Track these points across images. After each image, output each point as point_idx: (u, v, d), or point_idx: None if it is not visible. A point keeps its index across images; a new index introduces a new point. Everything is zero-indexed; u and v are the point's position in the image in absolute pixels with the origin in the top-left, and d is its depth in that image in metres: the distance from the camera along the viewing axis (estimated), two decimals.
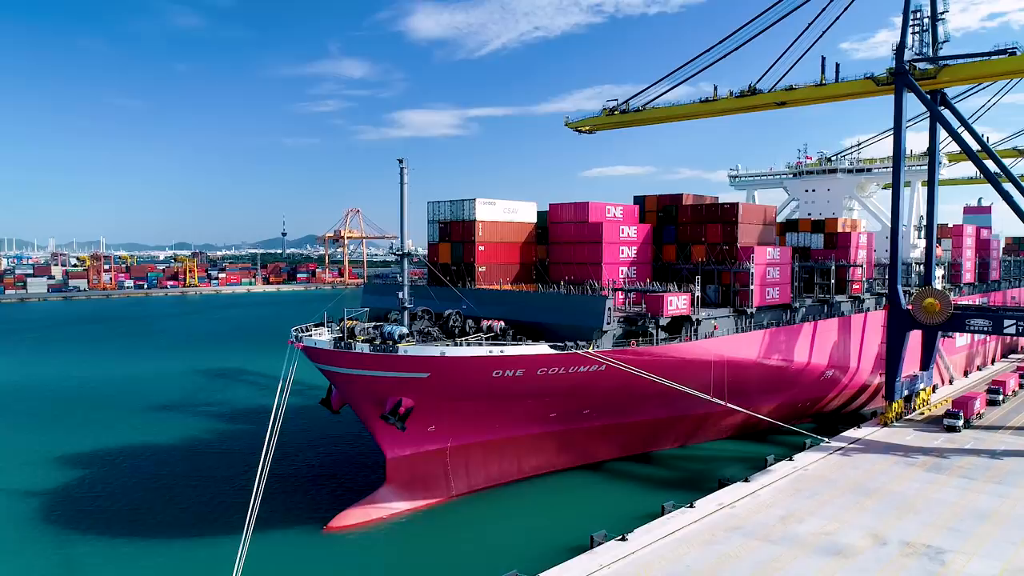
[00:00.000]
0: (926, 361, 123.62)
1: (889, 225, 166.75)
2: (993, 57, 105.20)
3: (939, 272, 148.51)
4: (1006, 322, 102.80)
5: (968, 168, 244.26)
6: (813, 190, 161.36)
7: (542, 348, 76.27)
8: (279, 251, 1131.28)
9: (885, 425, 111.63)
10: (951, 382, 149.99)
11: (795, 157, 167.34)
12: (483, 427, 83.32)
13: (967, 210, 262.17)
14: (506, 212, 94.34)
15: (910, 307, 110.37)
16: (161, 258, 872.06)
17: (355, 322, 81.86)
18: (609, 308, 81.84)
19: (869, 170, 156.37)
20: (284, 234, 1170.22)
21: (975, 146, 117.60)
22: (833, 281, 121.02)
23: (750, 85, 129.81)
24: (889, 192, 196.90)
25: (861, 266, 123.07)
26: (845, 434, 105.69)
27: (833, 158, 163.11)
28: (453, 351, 72.94)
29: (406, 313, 78.52)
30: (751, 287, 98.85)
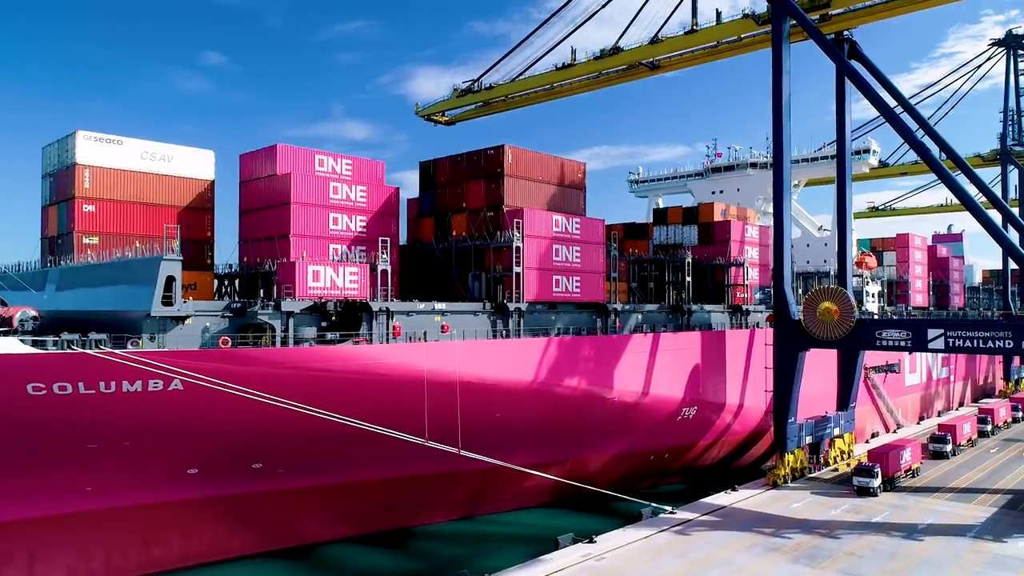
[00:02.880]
0: (844, 398, 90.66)
1: (811, 230, 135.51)
2: None
3: (873, 289, 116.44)
4: (931, 333, 70.40)
5: (939, 194, 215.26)
6: (720, 191, 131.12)
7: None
8: None
9: (774, 486, 78.24)
10: (896, 430, 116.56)
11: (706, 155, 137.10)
12: (54, 487, 50.56)
13: (936, 238, 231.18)
14: (146, 158, 63.06)
15: (801, 316, 78.15)
16: None
17: None
18: (171, 278, 50.03)
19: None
20: None
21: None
22: (711, 287, 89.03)
23: (612, 45, 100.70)
24: (822, 189, 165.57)
25: (743, 265, 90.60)
26: (709, 500, 72.41)
27: (754, 153, 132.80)
28: None
29: None
30: (518, 269, 66.25)
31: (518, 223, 65.94)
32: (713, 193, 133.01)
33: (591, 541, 59.20)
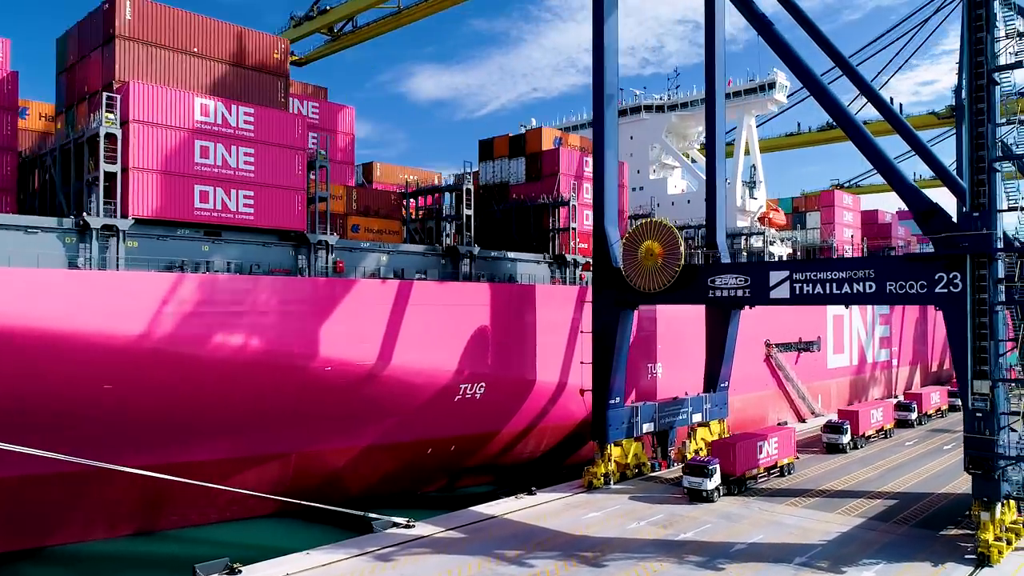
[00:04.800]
0: (712, 374, 71.30)
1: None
2: None
3: (780, 251, 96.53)
4: (773, 277, 50.86)
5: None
6: (631, 137, 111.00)
7: None
8: None
9: (589, 488, 58.89)
10: (806, 419, 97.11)
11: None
12: None
13: (901, 214, 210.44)
14: None
15: (621, 262, 58.69)
16: None
17: None
18: None
19: (685, 104, 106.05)
20: None
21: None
22: (534, 232, 69.49)
23: None
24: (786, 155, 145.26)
25: (572, 205, 70.38)
26: (478, 508, 53.31)
27: (650, 94, 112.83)
28: None
29: None
30: (111, 167, 45.24)
31: (110, 102, 45.42)
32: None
33: (233, 572, 40.04)
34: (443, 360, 56.82)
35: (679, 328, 77.69)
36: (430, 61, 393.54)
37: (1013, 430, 43.67)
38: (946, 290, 43.65)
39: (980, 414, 41.65)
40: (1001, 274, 41.93)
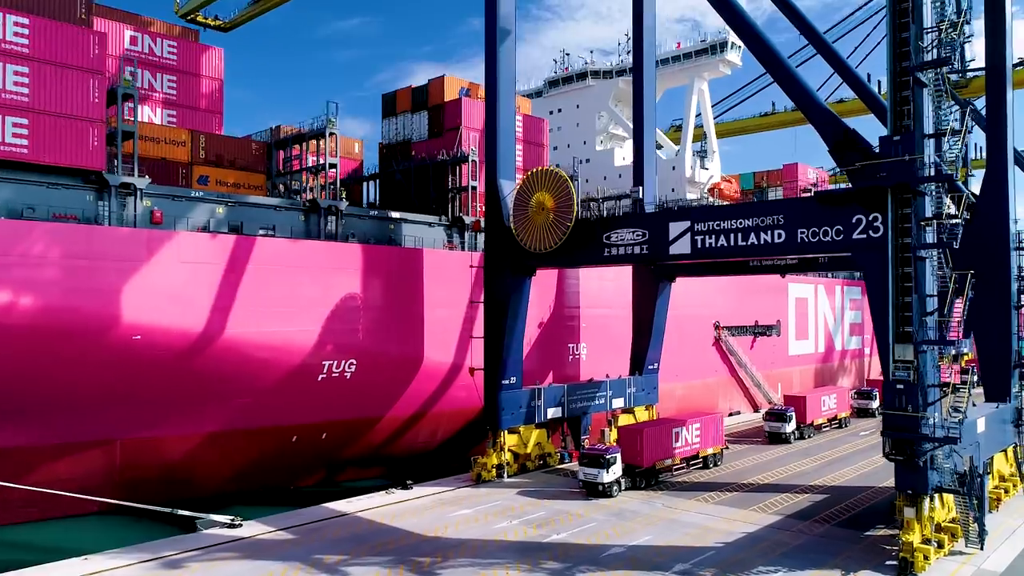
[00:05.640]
0: (639, 354, 63.40)
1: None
2: None
3: None
4: (673, 229, 42.81)
5: None
6: (559, 110, 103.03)
7: None
8: None
9: (478, 481, 50.82)
10: (763, 408, 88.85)
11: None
12: None
13: None
14: None
15: (512, 220, 50.61)
16: None
17: None
18: None
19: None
20: None
21: None
22: (434, 194, 61.38)
23: None
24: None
25: (472, 160, 61.88)
26: (332, 505, 45.32)
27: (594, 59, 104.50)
28: None
29: None
30: None
31: None
32: (551, 113, 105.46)
33: None
34: (296, 332, 48.59)
35: (608, 303, 69.59)
36: (429, 60, 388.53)
37: (957, 410, 35.52)
38: (865, 235, 35.58)
39: (902, 386, 33.52)
40: (929, 212, 33.83)
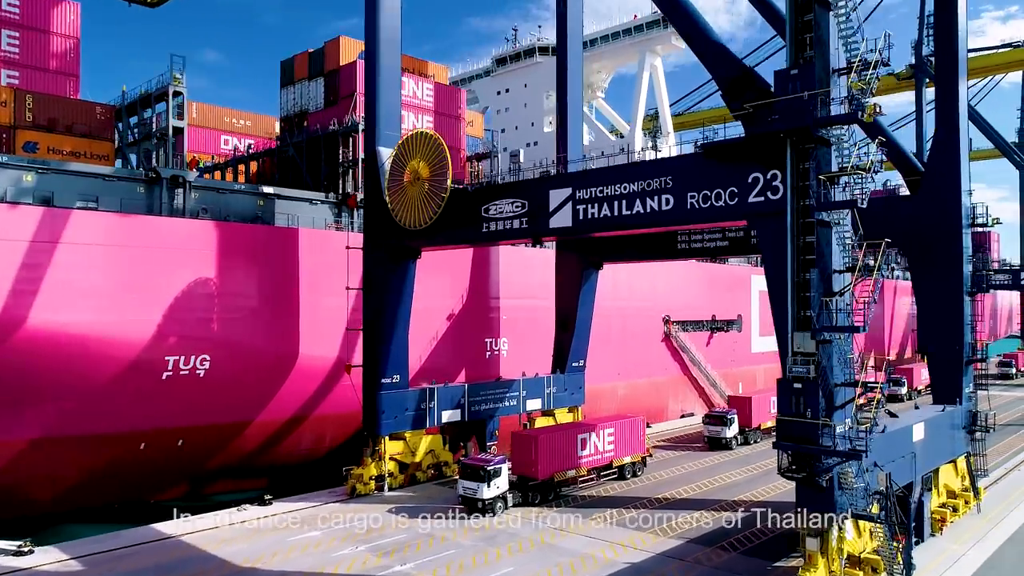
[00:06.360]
0: (562, 350, 56.60)
1: (608, 135, 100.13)
2: None
3: None
4: (554, 197, 35.86)
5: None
6: (507, 90, 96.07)
7: None
8: None
9: (352, 495, 43.93)
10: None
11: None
12: None
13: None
14: None
15: (387, 193, 43.67)
16: None
17: None
18: None
19: (586, 44, 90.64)
20: None
21: None
22: (326, 171, 54.30)
23: None
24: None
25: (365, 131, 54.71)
26: (159, 526, 38.38)
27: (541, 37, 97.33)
28: None
29: None
30: None
31: None
32: (499, 94, 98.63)
33: None
34: (128, 322, 41.60)
35: (534, 294, 62.63)
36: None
37: (873, 420, 28.61)
38: (762, 198, 28.64)
39: (799, 385, 26.57)
40: (836, 166, 26.87)
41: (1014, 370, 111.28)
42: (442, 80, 63.47)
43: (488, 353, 61.36)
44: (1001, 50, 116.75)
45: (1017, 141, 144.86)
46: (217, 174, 65.51)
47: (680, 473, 50.08)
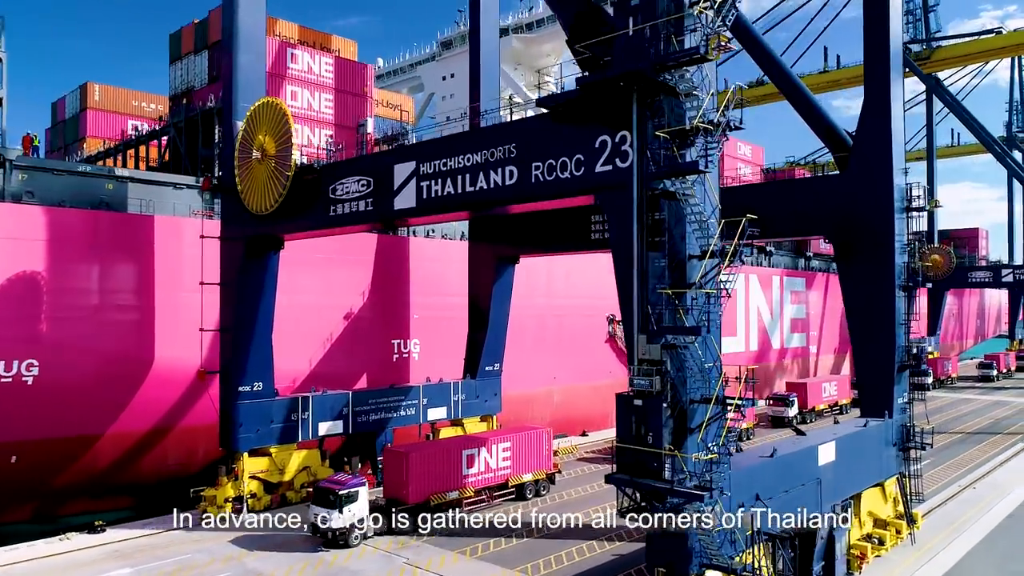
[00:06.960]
0: (474, 353, 51.02)
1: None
2: None
3: None
4: (399, 173, 30.03)
5: None
6: (452, 75, 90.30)
7: None
8: None
9: (203, 519, 38.13)
10: None
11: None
12: None
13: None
14: None
15: (237, 171, 37.88)
16: None
17: None
18: None
19: (531, 25, 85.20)
20: None
21: None
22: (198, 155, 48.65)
23: None
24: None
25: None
26: None
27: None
28: None
29: None
30: None
31: None
32: (444, 79, 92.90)
33: None
34: None
35: (451, 291, 56.82)
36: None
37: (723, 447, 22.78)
38: (609, 167, 22.86)
39: (640, 402, 20.79)
40: (690, 123, 21.03)
41: (995, 372, 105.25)
42: (349, 55, 57.67)
43: (396, 356, 55.58)
44: (969, 39, 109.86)
45: (1004, 135, 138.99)
46: (110, 161, 59.83)
47: (593, 492, 44.26)
